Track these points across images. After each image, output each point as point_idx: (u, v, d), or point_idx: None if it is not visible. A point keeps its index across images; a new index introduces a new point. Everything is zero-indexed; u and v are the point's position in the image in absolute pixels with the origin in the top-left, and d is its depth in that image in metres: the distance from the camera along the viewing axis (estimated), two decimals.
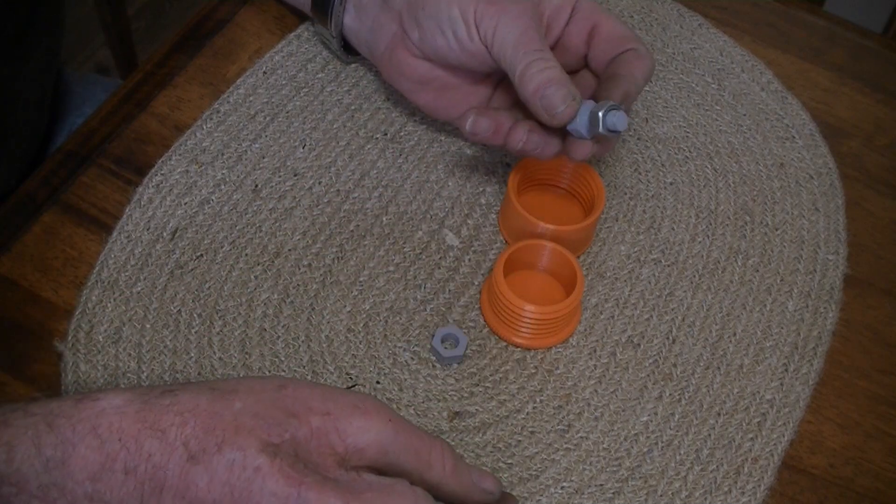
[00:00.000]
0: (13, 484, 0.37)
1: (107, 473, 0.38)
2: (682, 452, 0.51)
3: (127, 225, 0.55)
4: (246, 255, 0.55)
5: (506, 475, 0.49)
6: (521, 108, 0.55)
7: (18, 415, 0.38)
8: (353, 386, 0.51)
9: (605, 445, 0.51)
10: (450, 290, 0.55)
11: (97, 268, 0.53)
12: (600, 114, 0.49)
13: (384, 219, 0.57)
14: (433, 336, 0.53)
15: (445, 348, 0.52)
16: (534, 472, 0.50)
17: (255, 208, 0.57)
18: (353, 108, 0.62)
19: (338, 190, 0.58)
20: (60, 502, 0.38)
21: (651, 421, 0.52)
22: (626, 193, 0.61)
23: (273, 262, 0.55)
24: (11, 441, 0.38)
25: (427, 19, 0.54)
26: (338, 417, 0.39)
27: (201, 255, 0.55)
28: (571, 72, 0.56)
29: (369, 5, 0.58)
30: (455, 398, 0.52)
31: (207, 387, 0.40)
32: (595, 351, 0.54)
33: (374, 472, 0.40)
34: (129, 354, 0.50)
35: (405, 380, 0.52)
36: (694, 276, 0.58)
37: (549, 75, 0.50)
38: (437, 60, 0.55)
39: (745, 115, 0.66)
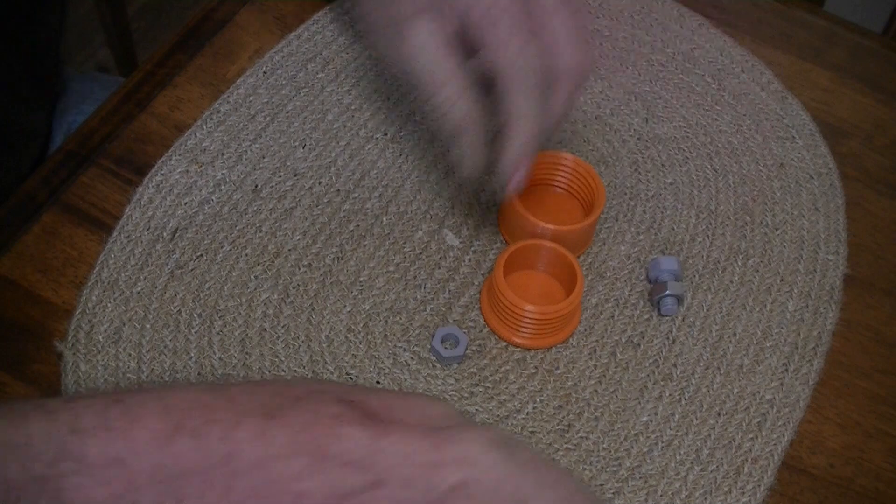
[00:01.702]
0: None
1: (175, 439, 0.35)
2: (682, 452, 0.51)
3: (127, 225, 0.55)
4: (246, 255, 0.55)
5: None
6: None
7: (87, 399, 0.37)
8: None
9: (605, 445, 0.51)
10: (450, 290, 0.55)
11: (97, 268, 0.53)
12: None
13: (384, 219, 0.57)
14: (433, 336, 0.53)
15: (445, 348, 0.52)
16: None
17: (255, 208, 0.57)
18: (353, 108, 0.62)
19: (338, 190, 0.58)
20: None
21: (651, 421, 0.52)
22: (626, 193, 0.61)
23: (273, 262, 0.55)
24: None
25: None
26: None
27: (201, 255, 0.55)
28: None
29: None
30: (455, 398, 0.52)
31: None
32: (595, 351, 0.54)
33: None
34: (129, 354, 0.50)
35: (405, 380, 0.52)
36: (694, 276, 0.58)
37: (451, 120, 0.48)
38: None
39: (745, 115, 0.66)
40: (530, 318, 0.52)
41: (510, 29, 0.48)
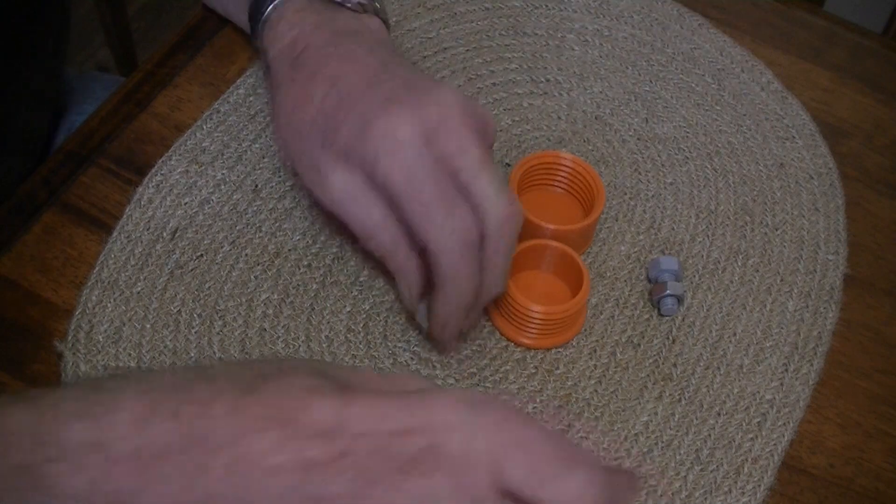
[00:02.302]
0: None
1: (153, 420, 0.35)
2: (682, 452, 0.51)
3: (127, 225, 0.55)
4: (246, 255, 0.55)
5: None
6: None
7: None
8: None
9: (605, 445, 0.51)
10: None
11: (97, 268, 0.53)
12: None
13: None
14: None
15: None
16: None
17: (255, 208, 0.57)
18: None
19: None
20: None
21: (651, 421, 0.52)
22: (626, 193, 0.61)
23: (273, 262, 0.55)
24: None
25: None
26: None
27: (201, 255, 0.55)
28: None
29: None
30: None
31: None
32: (595, 351, 0.54)
33: None
34: (129, 354, 0.50)
35: None
36: (694, 276, 0.58)
37: (389, 264, 0.49)
38: None
39: (745, 115, 0.66)
40: (538, 319, 0.52)
41: (434, 198, 0.46)
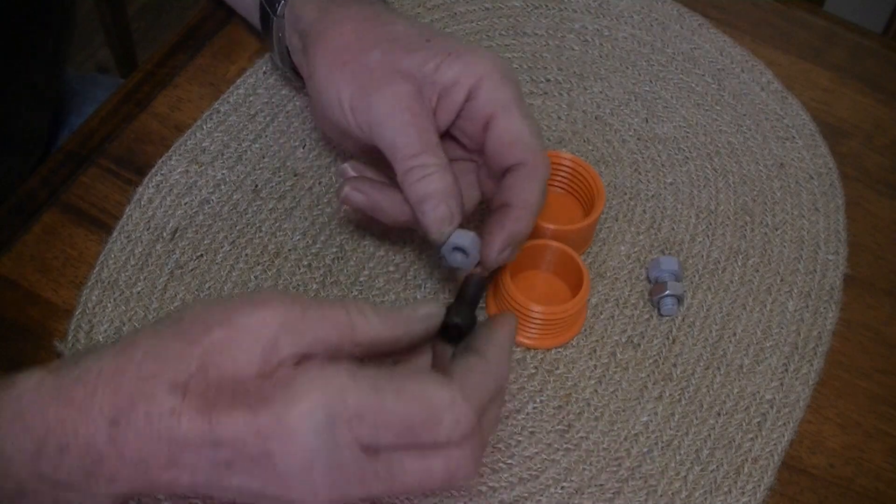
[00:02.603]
0: None
1: (44, 454, 0.38)
2: (682, 452, 0.51)
3: (127, 225, 0.55)
4: (246, 255, 0.55)
5: (506, 475, 0.49)
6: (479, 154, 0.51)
7: None
8: None
9: (605, 445, 0.51)
10: (450, 290, 0.55)
11: (97, 268, 0.53)
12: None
13: None
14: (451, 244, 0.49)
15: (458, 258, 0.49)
16: (534, 472, 0.50)
17: (255, 208, 0.57)
18: None
19: None
20: (8, 484, 0.39)
21: (651, 421, 0.52)
22: (626, 193, 0.61)
23: (273, 262, 0.55)
24: None
25: (313, 93, 0.52)
26: (238, 321, 0.39)
27: (201, 255, 0.55)
28: (476, 150, 0.51)
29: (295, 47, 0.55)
30: None
31: (111, 346, 0.40)
32: (595, 351, 0.54)
33: (299, 359, 0.39)
34: None
35: None
36: (694, 276, 0.58)
37: (426, 189, 0.47)
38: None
39: (745, 115, 0.66)
40: (538, 319, 0.52)
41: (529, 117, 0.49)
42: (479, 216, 0.58)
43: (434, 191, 0.47)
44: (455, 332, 0.45)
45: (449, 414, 0.39)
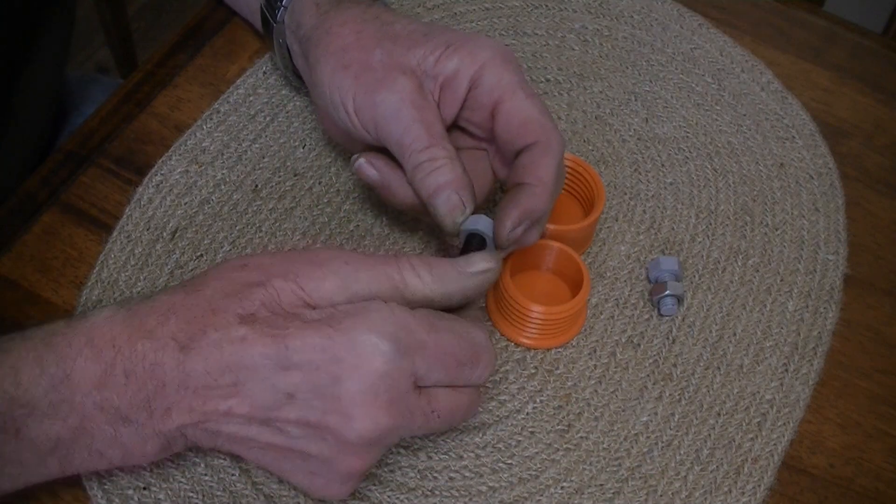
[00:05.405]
0: (24, 405, 0.39)
1: (109, 380, 0.39)
2: (682, 452, 0.51)
3: (127, 225, 0.55)
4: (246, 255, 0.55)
5: (506, 475, 0.49)
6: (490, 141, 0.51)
7: (17, 341, 0.40)
8: None
9: (605, 445, 0.51)
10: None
11: (97, 268, 0.53)
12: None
13: (384, 219, 0.57)
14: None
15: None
16: (534, 472, 0.50)
17: (255, 208, 0.57)
18: None
19: (338, 190, 0.58)
20: (72, 417, 0.39)
21: (651, 421, 0.52)
22: (626, 193, 0.61)
23: None
24: (16, 365, 0.39)
25: (317, 98, 0.52)
26: (297, 275, 0.41)
27: (201, 255, 0.55)
28: (486, 138, 0.51)
29: (297, 53, 0.55)
30: None
31: (180, 285, 0.42)
32: (595, 351, 0.54)
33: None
34: None
35: None
36: (694, 276, 0.58)
37: (436, 181, 0.47)
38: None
39: (745, 115, 0.66)
40: (538, 319, 0.52)
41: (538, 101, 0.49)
42: (493, 206, 0.58)
43: (445, 182, 0.47)
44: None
45: (486, 355, 0.43)
